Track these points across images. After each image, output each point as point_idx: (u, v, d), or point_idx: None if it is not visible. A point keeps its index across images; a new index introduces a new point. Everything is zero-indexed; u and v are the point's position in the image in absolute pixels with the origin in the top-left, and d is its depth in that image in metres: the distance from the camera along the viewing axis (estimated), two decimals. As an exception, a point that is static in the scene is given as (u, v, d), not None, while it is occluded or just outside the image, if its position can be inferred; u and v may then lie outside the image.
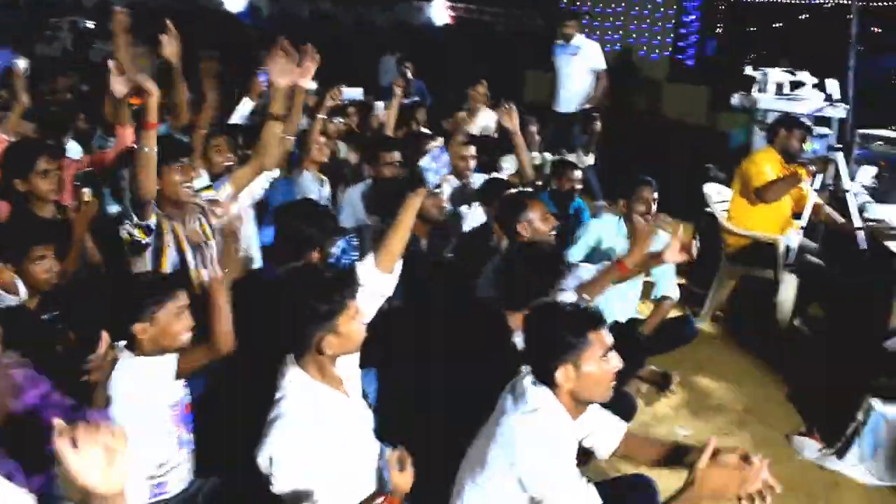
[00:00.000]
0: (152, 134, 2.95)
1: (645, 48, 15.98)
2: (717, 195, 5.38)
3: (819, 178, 5.15)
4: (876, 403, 3.62)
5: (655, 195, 4.21)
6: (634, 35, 16.09)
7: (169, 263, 3.24)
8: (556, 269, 3.03)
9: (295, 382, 2.22)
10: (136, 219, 3.06)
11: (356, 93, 4.96)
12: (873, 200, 5.23)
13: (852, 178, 5.31)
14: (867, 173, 6.19)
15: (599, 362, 2.19)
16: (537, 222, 3.48)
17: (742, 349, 4.96)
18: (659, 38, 15.95)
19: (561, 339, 2.20)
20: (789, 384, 4.46)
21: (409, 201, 2.55)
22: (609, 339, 2.24)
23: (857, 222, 4.85)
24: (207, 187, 3.63)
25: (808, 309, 5.15)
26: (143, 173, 2.94)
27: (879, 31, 11.78)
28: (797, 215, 5.14)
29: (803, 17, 14.35)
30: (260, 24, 20.42)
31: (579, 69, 6.89)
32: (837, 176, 5.14)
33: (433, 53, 17.74)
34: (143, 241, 3.12)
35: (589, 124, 5.85)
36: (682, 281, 5.97)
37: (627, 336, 4.01)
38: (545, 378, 2.22)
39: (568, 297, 3.14)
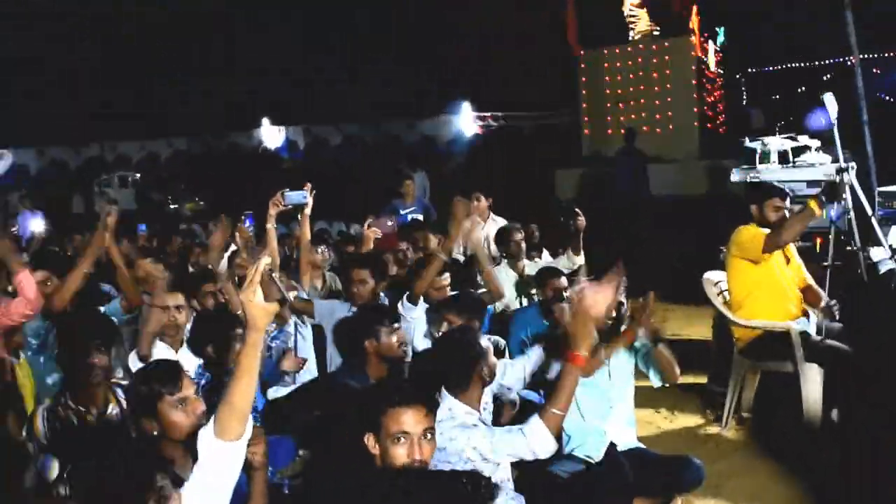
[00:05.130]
0: None
1: (671, 126, 15.65)
2: (719, 284, 4.82)
3: (834, 207, 4.56)
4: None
5: (564, 281, 4.46)
6: (659, 116, 15.82)
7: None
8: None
9: None
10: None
11: (300, 196, 4.67)
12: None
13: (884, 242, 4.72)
14: (898, 233, 5.55)
15: None
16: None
17: (769, 458, 4.27)
18: (685, 114, 15.63)
19: None
20: (823, 499, 3.77)
21: (244, 349, 2.05)
22: None
23: (885, 249, 4.25)
24: None
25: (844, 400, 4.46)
26: None
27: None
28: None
29: (826, 77, 13.88)
30: (297, 155, 21.08)
31: None
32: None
33: (458, 165, 17.81)
34: None
35: (572, 222, 5.43)
36: (703, 380, 5.38)
37: (614, 472, 3.51)
38: None
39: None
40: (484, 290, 4.67)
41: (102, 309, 4.23)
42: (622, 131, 12.87)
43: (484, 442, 2.78)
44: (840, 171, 4.55)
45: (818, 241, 5.06)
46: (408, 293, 4.17)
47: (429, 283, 4.21)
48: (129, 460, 1.98)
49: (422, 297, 4.20)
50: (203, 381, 3.42)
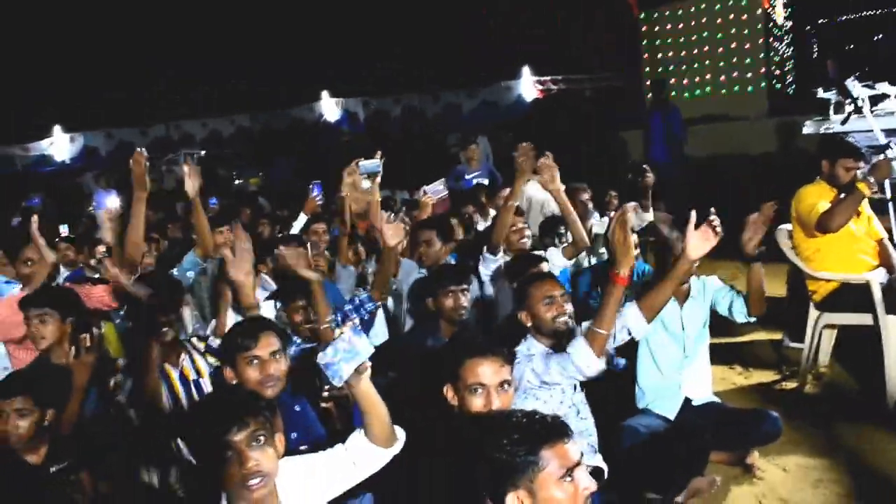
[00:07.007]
0: None
1: (738, 85, 15.22)
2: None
3: (887, 185, 4.43)
4: None
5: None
6: (724, 76, 15.37)
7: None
8: None
9: None
10: None
11: (375, 164, 4.69)
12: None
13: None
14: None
15: (560, 485, 1.75)
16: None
17: (848, 414, 4.19)
18: (752, 71, 15.15)
19: (506, 459, 1.78)
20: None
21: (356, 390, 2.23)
22: (574, 454, 1.79)
23: None
24: None
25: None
26: None
27: None
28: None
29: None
30: (356, 128, 21.19)
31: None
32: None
33: (521, 130, 17.63)
34: None
35: (640, 180, 5.36)
36: (778, 336, 5.29)
37: (690, 428, 3.50)
38: None
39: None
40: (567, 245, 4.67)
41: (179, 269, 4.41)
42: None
43: (540, 364, 2.98)
44: (883, 149, 4.43)
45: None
46: (487, 244, 4.21)
47: (507, 229, 4.24)
48: (220, 397, 2.09)
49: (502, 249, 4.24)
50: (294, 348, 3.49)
